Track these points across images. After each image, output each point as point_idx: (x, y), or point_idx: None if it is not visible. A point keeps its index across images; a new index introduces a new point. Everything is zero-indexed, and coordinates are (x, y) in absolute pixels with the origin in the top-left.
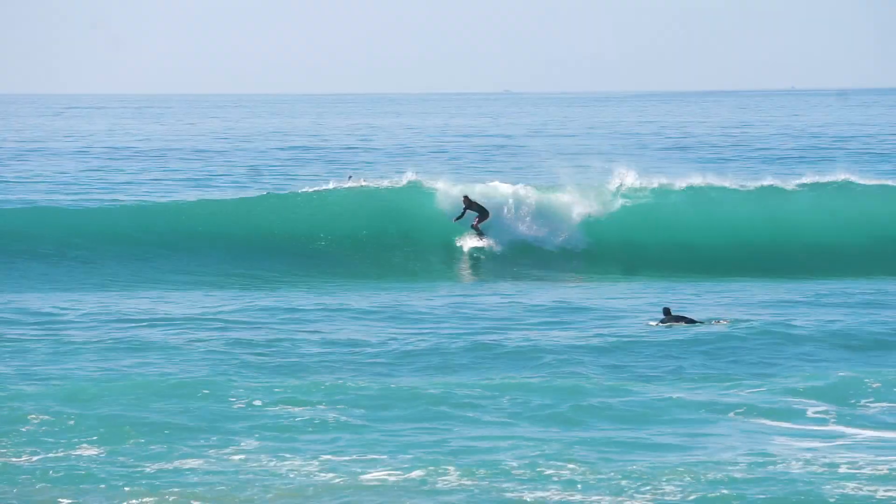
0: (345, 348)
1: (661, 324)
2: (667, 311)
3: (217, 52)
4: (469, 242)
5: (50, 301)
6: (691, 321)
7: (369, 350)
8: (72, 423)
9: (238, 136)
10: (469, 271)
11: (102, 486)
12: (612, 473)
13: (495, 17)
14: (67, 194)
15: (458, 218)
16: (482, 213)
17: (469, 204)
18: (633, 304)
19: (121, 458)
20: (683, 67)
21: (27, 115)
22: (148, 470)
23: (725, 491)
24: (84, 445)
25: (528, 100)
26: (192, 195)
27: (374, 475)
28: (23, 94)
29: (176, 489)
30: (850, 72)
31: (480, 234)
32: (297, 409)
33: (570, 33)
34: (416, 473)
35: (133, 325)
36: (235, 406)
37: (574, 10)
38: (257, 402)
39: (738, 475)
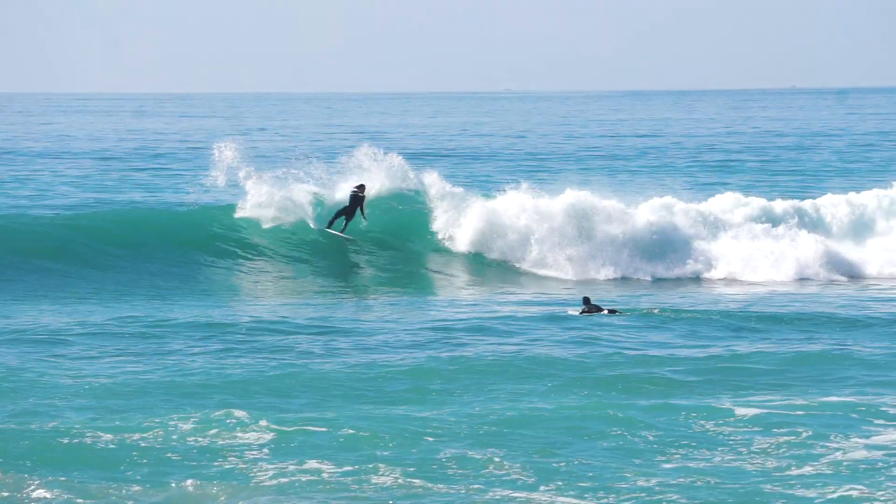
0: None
1: (582, 313)
2: (586, 301)
3: (215, 50)
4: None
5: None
6: (612, 311)
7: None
8: None
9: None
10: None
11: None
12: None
13: (496, 17)
14: None
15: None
16: (350, 212)
17: (356, 195)
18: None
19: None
20: (685, 67)
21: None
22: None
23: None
24: None
25: (531, 98)
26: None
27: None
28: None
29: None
30: (852, 71)
31: (335, 224)
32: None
33: (571, 32)
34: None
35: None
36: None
37: (575, 9)
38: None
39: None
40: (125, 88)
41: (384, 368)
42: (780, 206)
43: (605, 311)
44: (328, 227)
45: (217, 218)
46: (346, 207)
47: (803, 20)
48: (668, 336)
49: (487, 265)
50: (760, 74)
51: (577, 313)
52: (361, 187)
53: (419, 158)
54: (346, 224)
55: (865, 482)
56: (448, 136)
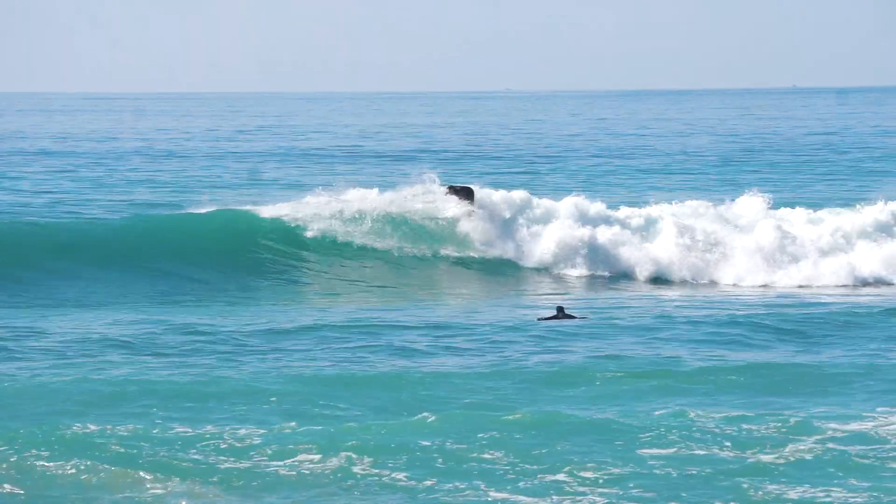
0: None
1: (551, 319)
2: (560, 309)
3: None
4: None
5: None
6: (583, 317)
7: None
8: None
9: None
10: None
11: None
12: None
13: (495, 16)
14: None
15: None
16: (468, 194)
17: (455, 192)
18: None
19: None
20: (685, 67)
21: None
22: None
23: None
24: None
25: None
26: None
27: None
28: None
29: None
30: (852, 71)
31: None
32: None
33: (572, 31)
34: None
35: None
36: None
37: (575, 8)
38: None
39: None
40: (125, 88)
41: (399, 372)
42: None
43: (577, 318)
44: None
45: (259, 223)
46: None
47: (803, 20)
48: (672, 339)
49: (529, 273)
50: (760, 74)
51: (547, 319)
52: (450, 188)
53: (415, 157)
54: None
55: (840, 479)
56: (451, 135)
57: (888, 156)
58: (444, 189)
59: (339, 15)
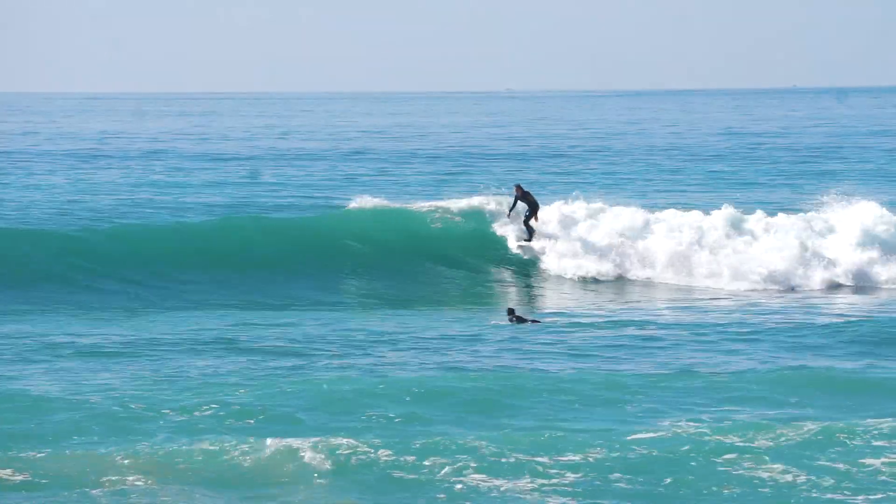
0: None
1: (510, 321)
2: (511, 311)
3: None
4: (515, 243)
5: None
6: (535, 321)
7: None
8: None
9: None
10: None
11: None
12: None
13: (495, 16)
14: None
15: (511, 210)
16: (533, 207)
17: (523, 194)
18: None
19: None
20: (686, 67)
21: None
22: None
23: None
24: None
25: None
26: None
27: None
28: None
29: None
30: (852, 71)
31: (531, 232)
32: None
33: (571, 31)
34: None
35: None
36: None
37: (574, 8)
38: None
39: None
40: (125, 88)
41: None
42: None
43: (530, 322)
44: (529, 240)
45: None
46: (526, 212)
47: (803, 20)
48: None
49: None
50: (760, 74)
51: (503, 323)
52: (518, 187)
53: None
54: (526, 226)
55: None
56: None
57: None
58: (514, 189)
59: (340, 16)
